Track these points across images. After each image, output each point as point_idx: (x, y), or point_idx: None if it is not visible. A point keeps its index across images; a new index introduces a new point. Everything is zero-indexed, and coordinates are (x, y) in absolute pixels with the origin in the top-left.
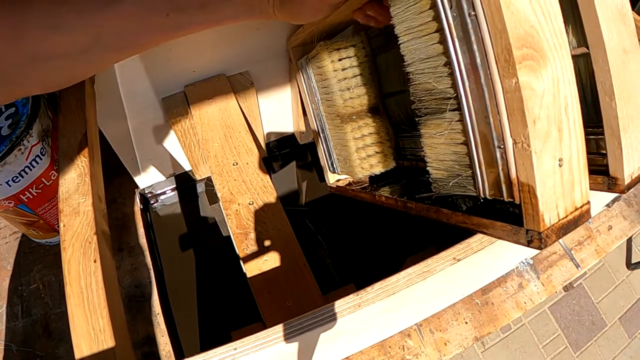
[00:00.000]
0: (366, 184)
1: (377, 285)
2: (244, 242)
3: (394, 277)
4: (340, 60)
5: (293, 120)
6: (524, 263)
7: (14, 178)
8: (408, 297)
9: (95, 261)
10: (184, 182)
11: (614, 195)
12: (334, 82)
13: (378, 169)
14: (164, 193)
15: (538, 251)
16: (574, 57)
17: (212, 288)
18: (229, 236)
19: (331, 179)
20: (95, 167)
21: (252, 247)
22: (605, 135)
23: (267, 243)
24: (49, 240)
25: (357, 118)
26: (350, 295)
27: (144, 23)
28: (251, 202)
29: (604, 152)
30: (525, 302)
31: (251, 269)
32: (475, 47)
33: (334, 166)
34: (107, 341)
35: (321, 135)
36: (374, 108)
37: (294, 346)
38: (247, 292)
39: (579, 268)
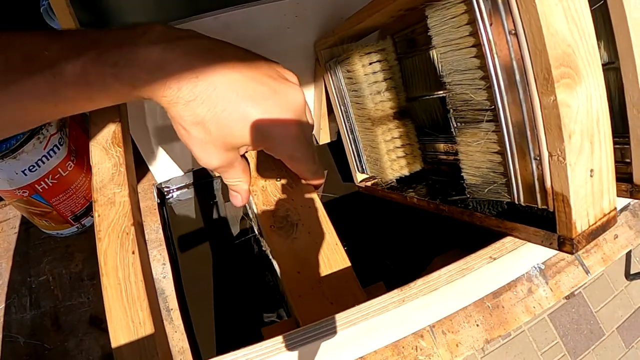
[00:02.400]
0: (393, 184)
1: (420, 281)
2: (270, 219)
3: (436, 274)
4: (370, 64)
5: (314, 120)
6: (535, 267)
7: (31, 167)
8: (447, 293)
9: (133, 252)
10: (202, 178)
11: (623, 204)
12: (364, 85)
13: (407, 170)
14: (181, 188)
15: (550, 256)
16: (604, 70)
17: (229, 284)
18: (246, 232)
19: (359, 179)
20: (129, 157)
21: (279, 224)
22: (631, 145)
23: (295, 220)
24: (60, 232)
25: (387, 121)
26: (395, 291)
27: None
28: (279, 179)
29: (628, 160)
30: (534, 307)
31: (279, 248)
32: (514, 64)
33: (364, 167)
34: (147, 334)
35: (350, 136)
36: (402, 111)
37: (330, 343)
38: (266, 289)
39: (589, 274)
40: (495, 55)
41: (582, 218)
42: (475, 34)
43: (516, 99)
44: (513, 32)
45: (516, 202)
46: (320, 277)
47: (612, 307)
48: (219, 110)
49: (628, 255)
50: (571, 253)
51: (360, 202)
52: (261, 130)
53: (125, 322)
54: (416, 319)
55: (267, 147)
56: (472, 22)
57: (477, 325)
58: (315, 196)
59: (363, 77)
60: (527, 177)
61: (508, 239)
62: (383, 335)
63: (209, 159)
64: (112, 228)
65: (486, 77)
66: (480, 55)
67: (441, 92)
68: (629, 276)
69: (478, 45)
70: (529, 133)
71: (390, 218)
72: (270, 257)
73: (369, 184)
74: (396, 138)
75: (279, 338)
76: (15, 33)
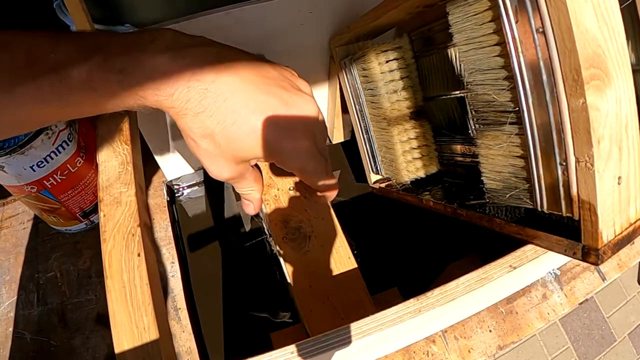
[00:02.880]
0: (408, 186)
1: (437, 291)
2: (283, 230)
3: (454, 283)
4: (387, 62)
5: (328, 119)
6: (551, 273)
7: (39, 163)
8: (466, 303)
9: (139, 255)
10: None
11: None
12: (381, 84)
13: (423, 172)
14: (191, 186)
15: (566, 261)
16: (633, 72)
17: (239, 284)
18: (257, 233)
19: (373, 180)
20: (136, 156)
21: (292, 236)
22: None
23: (308, 232)
24: (68, 228)
25: (404, 121)
26: (411, 300)
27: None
28: (291, 188)
29: None
30: (548, 313)
31: (290, 260)
32: (541, 63)
33: (378, 168)
34: (152, 340)
35: (365, 136)
36: (419, 111)
37: (342, 353)
38: (275, 290)
39: (605, 281)
40: (520, 54)
41: (608, 227)
42: (499, 31)
43: (542, 100)
44: (541, 30)
45: (539, 209)
46: (331, 292)
47: (624, 312)
48: (228, 123)
49: None
50: (596, 264)
51: (373, 203)
52: (271, 144)
53: (130, 327)
54: (428, 324)
55: (278, 160)
56: (497, 19)
57: (490, 331)
58: (329, 208)
59: (379, 76)
60: (551, 184)
61: (529, 247)
62: (395, 341)
63: (220, 172)
64: (118, 229)
65: (510, 77)
66: (505, 54)
67: (458, 92)
68: None
69: (502, 43)
70: (555, 137)
71: (405, 221)
72: (282, 263)
73: (383, 185)
74: (412, 139)
75: (290, 348)
76: (21, 32)
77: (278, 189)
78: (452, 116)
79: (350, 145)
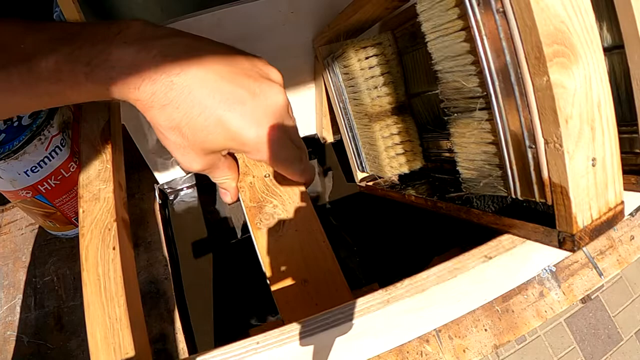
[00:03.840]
0: (394, 183)
1: (407, 282)
2: (257, 216)
3: (424, 273)
4: (367, 58)
5: (316, 120)
6: (546, 270)
7: (33, 168)
8: (437, 295)
9: (114, 248)
10: (204, 179)
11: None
12: (361, 80)
13: (406, 168)
14: (183, 189)
15: (562, 258)
16: (608, 54)
17: (229, 287)
18: (248, 235)
19: (360, 178)
20: (118, 155)
21: (267, 222)
22: None
23: (282, 217)
24: (65, 233)
25: (385, 117)
26: (380, 291)
27: None
28: (267, 175)
29: (637, 151)
30: (546, 311)
31: (264, 245)
32: (504, 44)
33: (363, 165)
34: (123, 330)
35: (349, 134)
36: (401, 107)
37: (313, 343)
38: (265, 292)
39: (602, 277)
40: (484, 37)
41: (583, 212)
42: (463, 16)
43: (508, 82)
44: (501, 10)
45: (513, 195)
46: (305, 277)
47: (630, 311)
48: (194, 115)
49: None
50: (572, 251)
51: (363, 202)
52: (238, 135)
53: (102, 318)
54: (421, 323)
55: (247, 151)
56: (461, 3)
57: (486, 330)
58: (305, 193)
59: (359, 72)
60: (523, 168)
61: (505, 236)
62: (377, 336)
63: (189, 164)
64: (95, 224)
65: (477, 62)
66: (470, 39)
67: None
68: None
69: (467, 28)
70: (523, 119)
71: (393, 218)
72: (256, 248)
73: (370, 183)
74: (395, 134)
75: (256, 337)
76: None
77: (253, 176)
78: (436, 112)
79: (340, 145)
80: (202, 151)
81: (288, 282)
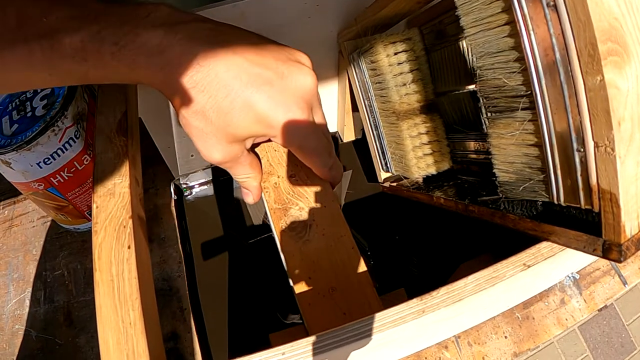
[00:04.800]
0: (419, 184)
1: (443, 290)
2: (282, 218)
3: (461, 282)
4: (395, 54)
5: (338, 117)
6: (569, 277)
7: (46, 160)
8: (473, 304)
9: (129, 247)
10: (220, 175)
11: None
12: (389, 77)
13: (434, 169)
14: (199, 185)
15: (584, 265)
16: None
17: (245, 287)
18: (266, 235)
19: (383, 177)
20: (134, 148)
21: (292, 225)
22: None
23: (309, 220)
24: (77, 226)
25: (414, 115)
26: (414, 300)
27: None
28: (293, 175)
29: None
30: (566, 319)
31: (289, 250)
32: (554, 40)
33: (388, 165)
34: (137, 336)
35: (374, 132)
36: (430, 105)
37: (344, 355)
38: (282, 294)
39: (626, 285)
40: (531, 32)
41: (632, 220)
42: (508, 10)
43: (556, 81)
44: (552, 4)
45: (555, 201)
46: (333, 284)
47: None
48: (220, 97)
49: None
50: (618, 261)
51: (385, 203)
52: (265, 118)
53: (115, 322)
54: (440, 329)
55: (274, 135)
56: None
57: (506, 337)
58: (332, 195)
59: (387, 68)
60: (568, 173)
61: (544, 244)
62: (403, 346)
63: (211, 152)
64: (110, 221)
65: (521, 59)
66: (515, 34)
67: (472, 86)
68: None
69: (512, 22)
70: (571, 121)
71: (416, 220)
72: (281, 253)
73: (394, 183)
74: (423, 134)
75: (282, 348)
76: None
77: (278, 177)
78: (464, 112)
79: (362, 145)
80: (226, 137)
81: (314, 289)
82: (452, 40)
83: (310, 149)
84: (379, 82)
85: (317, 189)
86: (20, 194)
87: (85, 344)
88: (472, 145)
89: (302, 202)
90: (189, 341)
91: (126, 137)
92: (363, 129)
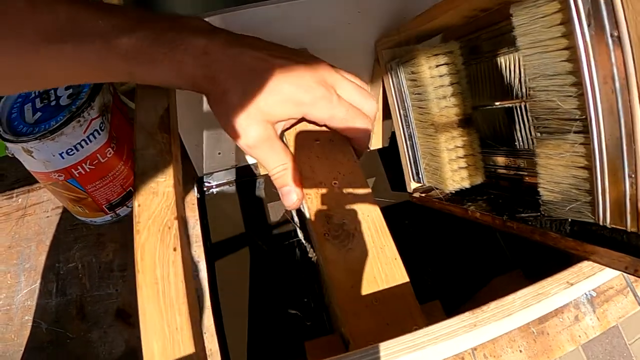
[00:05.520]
0: (450, 196)
1: (494, 305)
2: (325, 226)
3: (510, 297)
4: (437, 66)
5: None
6: (587, 295)
7: (69, 150)
8: (521, 319)
9: (175, 249)
10: (245, 176)
11: None
12: (430, 89)
13: (468, 183)
14: (222, 185)
15: (599, 284)
16: None
17: (265, 287)
18: (287, 236)
19: (413, 188)
20: (175, 146)
21: (335, 233)
22: None
23: (352, 229)
24: (93, 219)
25: (451, 128)
26: (467, 314)
27: None
28: (336, 182)
29: None
30: (580, 336)
31: (332, 259)
32: (615, 70)
33: (420, 175)
34: (185, 342)
35: (407, 142)
36: (467, 119)
37: None
38: (302, 297)
39: None
40: (592, 60)
41: None
42: (569, 35)
43: (614, 109)
44: (615, 35)
45: (601, 223)
46: (375, 294)
47: None
48: (255, 83)
49: None
50: None
51: (408, 212)
52: (293, 97)
53: (160, 326)
54: (459, 340)
55: (305, 112)
56: (567, 22)
57: (521, 351)
58: (375, 205)
59: (429, 80)
60: (617, 197)
61: (586, 263)
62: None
63: (247, 132)
64: (153, 221)
65: (578, 84)
66: (574, 59)
67: (507, 102)
68: None
69: (572, 47)
70: (625, 147)
71: (440, 232)
72: (321, 266)
73: (423, 194)
74: (459, 147)
75: None
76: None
77: (320, 182)
78: (497, 127)
79: (387, 153)
80: (261, 116)
81: (358, 298)
82: (488, 56)
83: (341, 119)
84: (419, 94)
85: (362, 198)
86: (35, 182)
87: (97, 340)
88: (502, 160)
89: (346, 211)
90: (207, 342)
91: (168, 133)
92: (390, 138)
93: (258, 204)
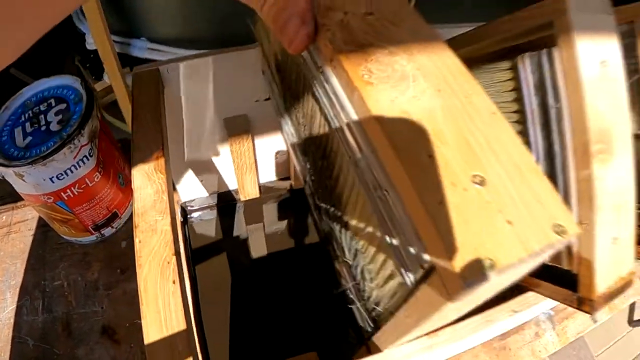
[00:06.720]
0: None
1: (449, 330)
2: (362, 64)
3: (463, 323)
4: None
5: None
6: (545, 313)
7: (59, 175)
8: (470, 342)
9: (174, 282)
10: (225, 201)
11: None
12: None
13: None
14: (204, 209)
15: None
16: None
17: (246, 310)
18: (266, 261)
19: None
20: (169, 185)
21: (383, 74)
22: None
23: (410, 70)
24: (79, 239)
25: None
26: (423, 338)
27: None
28: (368, 10)
29: None
30: (540, 351)
31: (380, 106)
32: (554, 136)
33: None
34: None
35: None
36: None
37: None
38: (282, 322)
39: (596, 322)
40: (537, 125)
41: (603, 282)
42: (519, 100)
43: (553, 168)
44: (557, 106)
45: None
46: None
47: (613, 352)
48: None
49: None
50: (590, 313)
51: None
52: None
53: (164, 352)
54: (424, 358)
55: None
56: (518, 89)
57: None
58: (440, 38)
59: None
60: None
61: (531, 293)
62: None
63: None
64: (153, 256)
65: (527, 144)
66: (522, 122)
67: None
68: (631, 322)
69: (521, 111)
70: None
71: None
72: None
73: None
74: None
75: None
76: None
77: (345, 13)
78: None
79: None
80: None
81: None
82: None
83: None
84: None
85: (413, 30)
86: (20, 200)
87: (84, 356)
88: None
89: (394, 46)
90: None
91: (164, 174)
92: None
93: (238, 228)
